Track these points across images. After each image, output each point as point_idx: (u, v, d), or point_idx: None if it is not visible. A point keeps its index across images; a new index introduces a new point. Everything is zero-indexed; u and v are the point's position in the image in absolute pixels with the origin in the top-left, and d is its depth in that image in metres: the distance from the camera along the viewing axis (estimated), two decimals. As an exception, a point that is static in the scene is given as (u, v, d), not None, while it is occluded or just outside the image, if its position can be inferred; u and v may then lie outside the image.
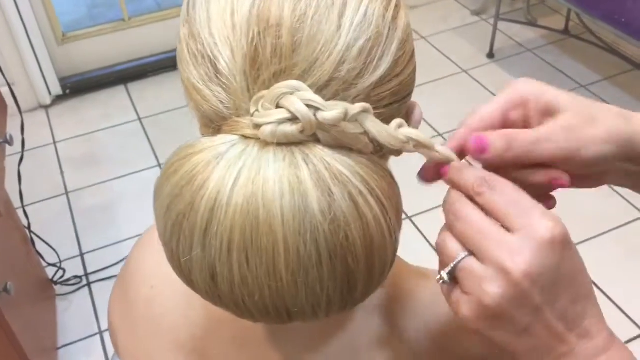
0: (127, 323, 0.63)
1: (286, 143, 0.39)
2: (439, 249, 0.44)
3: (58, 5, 2.67)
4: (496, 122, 0.47)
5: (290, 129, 0.38)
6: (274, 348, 0.56)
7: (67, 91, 2.71)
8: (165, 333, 0.59)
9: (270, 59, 0.39)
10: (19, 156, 1.74)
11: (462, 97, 2.62)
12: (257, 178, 0.38)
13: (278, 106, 0.39)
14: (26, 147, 1.82)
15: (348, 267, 0.39)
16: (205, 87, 0.42)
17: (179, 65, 0.45)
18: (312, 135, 0.39)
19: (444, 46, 2.95)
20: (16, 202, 1.75)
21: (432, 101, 2.53)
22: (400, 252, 0.45)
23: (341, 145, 0.40)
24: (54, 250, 1.93)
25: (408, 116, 0.47)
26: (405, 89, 0.45)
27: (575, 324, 0.42)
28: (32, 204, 2.14)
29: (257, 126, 0.39)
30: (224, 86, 0.41)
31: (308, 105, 0.38)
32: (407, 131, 0.42)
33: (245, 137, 0.40)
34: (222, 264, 0.38)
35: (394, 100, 0.44)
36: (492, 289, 0.40)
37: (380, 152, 0.42)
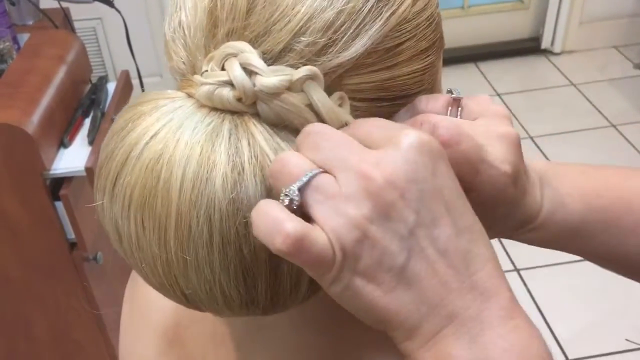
0: (129, 296, 0.62)
1: (224, 110, 0.36)
2: (276, 168, 0.33)
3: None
4: None
5: (227, 94, 0.35)
6: (252, 352, 0.52)
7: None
8: (155, 315, 0.57)
9: (226, 16, 0.36)
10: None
11: (605, 152, 2.42)
12: (173, 137, 0.35)
13: (223, 68, 0.36)
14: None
15: (243, 258, 0.35)
16: (171, 39, 0.39)
17: None
18: (253, 105, 0.35)
19: (595, 96, 2.76)
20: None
21: (570, 151, 2.36)
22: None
23: (286, 124, 0.36)
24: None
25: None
26: (401, 88, 0.39)
27: (463, 266, 0.33)
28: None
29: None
30: (183, 40, 0.38)
31: (247, 70, 0.35)
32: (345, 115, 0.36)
33: (189, 96, 0.37)
34: (123, 220, 0.36)
35: (380, 96, 0.39)
36: (353, 207, 0.32)
37: None
